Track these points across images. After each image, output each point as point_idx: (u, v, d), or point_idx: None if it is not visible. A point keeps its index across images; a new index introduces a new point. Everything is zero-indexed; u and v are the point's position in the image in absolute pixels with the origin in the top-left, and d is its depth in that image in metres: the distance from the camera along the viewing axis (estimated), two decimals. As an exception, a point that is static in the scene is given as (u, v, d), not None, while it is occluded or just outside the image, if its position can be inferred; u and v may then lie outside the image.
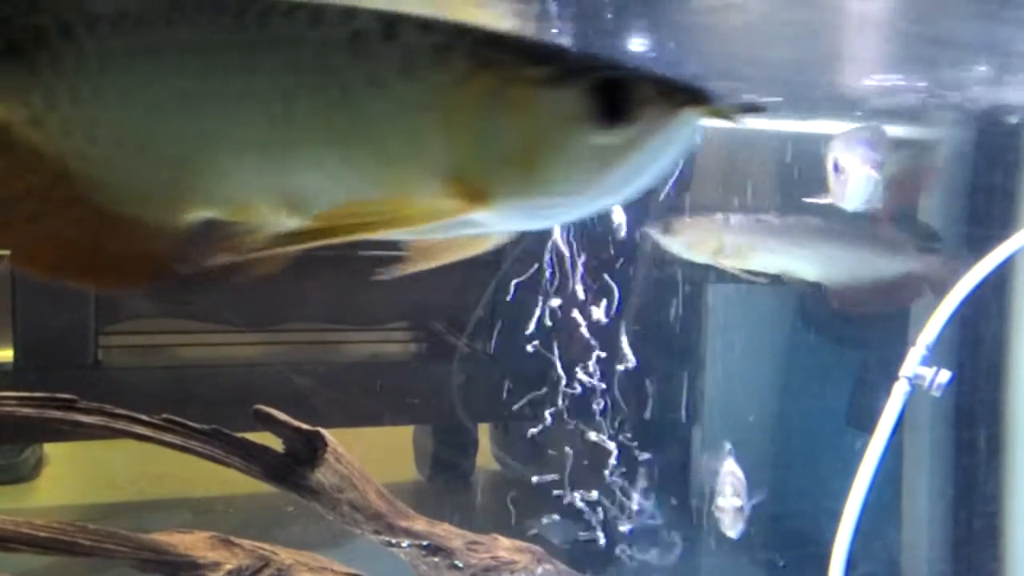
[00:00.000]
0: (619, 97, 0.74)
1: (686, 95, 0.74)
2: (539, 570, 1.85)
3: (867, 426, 2.11)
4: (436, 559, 1.79)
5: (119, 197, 0.83)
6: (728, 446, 2.29)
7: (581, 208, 0.80)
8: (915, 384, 2.06)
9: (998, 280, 2.13)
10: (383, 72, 0.77)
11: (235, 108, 0.79)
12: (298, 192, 0.81)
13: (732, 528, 2.20)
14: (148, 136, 0.82)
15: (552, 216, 0.83)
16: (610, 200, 0.79)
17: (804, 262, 2.18)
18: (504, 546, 1.87)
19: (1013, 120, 2.32)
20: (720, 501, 2.21)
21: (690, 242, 2.17)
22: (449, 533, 1.83)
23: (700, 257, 2.19)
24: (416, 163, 0.78)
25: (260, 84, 0.78)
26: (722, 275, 2.68)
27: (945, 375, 2.04)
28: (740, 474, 2.26)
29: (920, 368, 2.05)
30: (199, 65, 0.79)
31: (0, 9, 0.81)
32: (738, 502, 2.19)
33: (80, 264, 0.84)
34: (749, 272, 2.21)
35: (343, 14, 0.78)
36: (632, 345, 2.79)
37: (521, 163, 0.76)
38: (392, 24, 0.77)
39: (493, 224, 0.82)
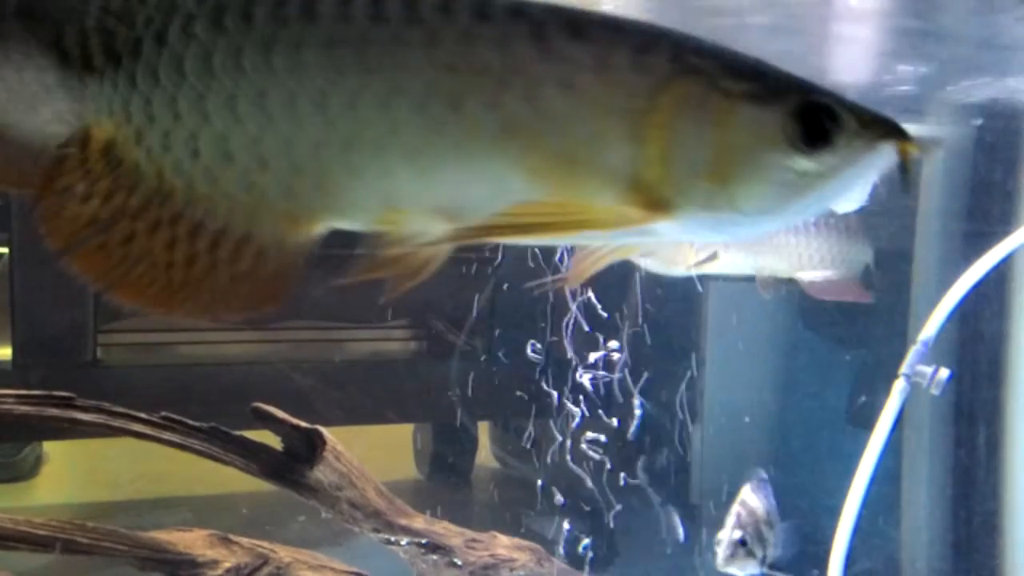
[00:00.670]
0: (821, 123, 0.73)
1: (885, 128, 0.74)
2: (537, 568, 1.85)
3: (867, 424, 2.11)
4: (435, 557, 1.79)
5: (224, 213, 0.78)
6: (762, 474, 2.02)
7: (762, 227, 0.78)
8: (914, 382, 2.06)
9: (997, 278, 2.13)
10: (573, 72, 0.73)
11: (381, 111, 0.74)
12: (455, 198, 0.77)
13: (726, 565, 1.90)
14: (267, 146, 0.76)
15: (729, 232, 0.79)
16: (792, 222, 0.78)
17: (776, 258, 2.17)
18: (503, 544, 1.87)
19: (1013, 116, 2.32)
20: (719, 533, 1.91)
21: (667, 259, 2.15)
22: (448, 531, 1.83)
23: (679, 271, 2.17)
24: (598, 168, 0.74)
25: (412, 84, 0.74)
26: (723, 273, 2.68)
27: (944, 373, 2.04)
28: (757, 504, 1.94)
29: (919, 366, 2.05)
30: (330, 65, 0.74)
31: (98, 20, 0.77)
32: (738, 534, 1.88)
33: (180, 290, 0.79)
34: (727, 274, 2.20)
35: (512, 8, 0.74)
36: (632, 343, 2.79)
37: (713, 177, 0.73)
38: (576, 22, 0.74)
39: (667, 234, 0.78)
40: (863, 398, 2.58)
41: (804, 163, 0.72)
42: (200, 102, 0.76)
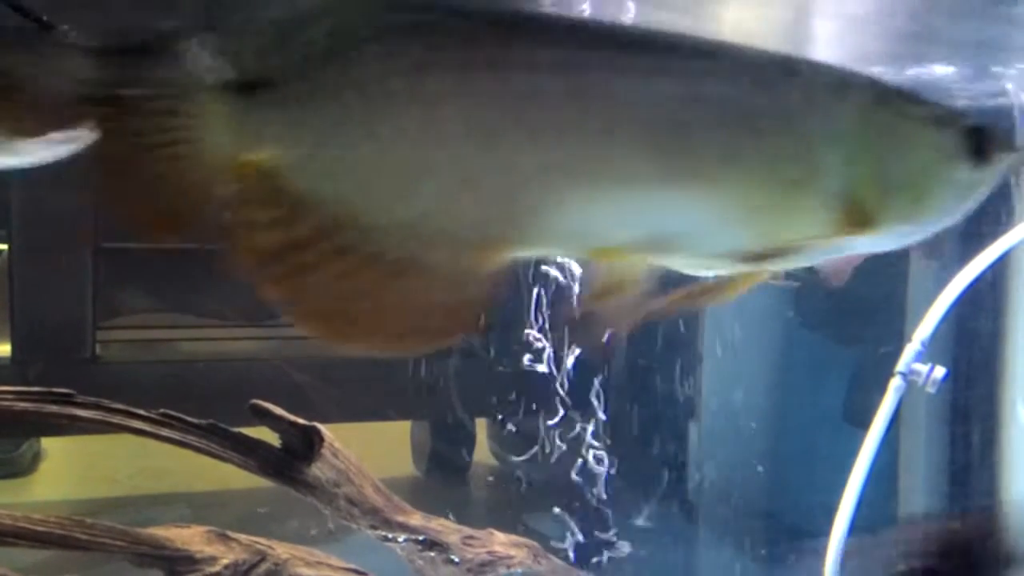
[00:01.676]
0: (984, 140, 0.85)
1: (1013, 140, 0.91)
2: (535, 566, 1.86)
3: (863, 422, 2.12)
4: (432, 554, 1.79)
5: (403, 244, 0.73)
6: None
7: (928, 231, 0.88)
8: (910, 380, 2.07)
9: (993, 276, 2.14)
10: (787, 105, 0.79)
11: (596, 141, 0.72)
12: (667, 228, 0.77)
13: None
14: (451, 175, 0.72)
15: (907, 238, 0.89)
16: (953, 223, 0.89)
17: None
18: (500, 541, 1.87)
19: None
20: None
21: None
22: (445, 528, 1.84)
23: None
24: (817, 192, 0.81)
25: (631, 115, 0.73)
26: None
27: (940, 371, 2.05)
28: None
29: (915, 364, 2.06)
30: (534, 93, 0.71)
31: (264, 43, 0.73)
32: None
33: (364, 320, 0.75)
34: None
35: (731, 48, 0.78)
36: (629, 341, 2.80)
37: (909, 192, 0.84)
38: (787, 61, 0.80)
39: (859, 247, 0.87)
40: (860, 397, 2.59)
41: (973, 175, 0.85)
42: (375, 129, 0.72)
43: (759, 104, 0.78)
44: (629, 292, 0.79)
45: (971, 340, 2.26)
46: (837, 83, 0.82)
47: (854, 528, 2.06)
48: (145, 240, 0.78)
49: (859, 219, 0.81)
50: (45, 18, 1.65)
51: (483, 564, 1.81)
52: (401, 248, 0.73)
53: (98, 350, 2.78)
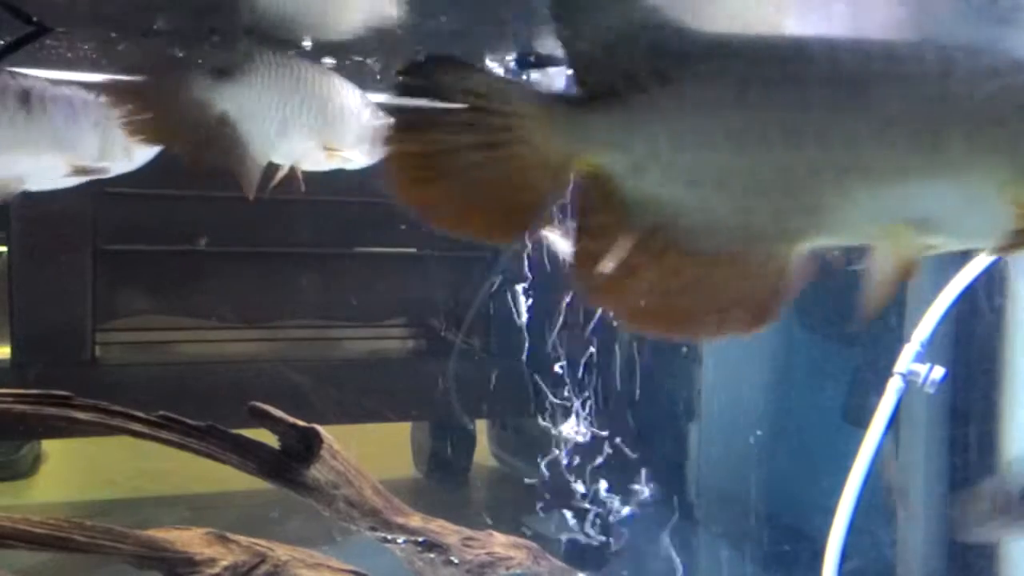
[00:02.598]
0: None
1: None
2: (535, 567, 1.86)
3: (862, 422, 2.12)
4: (432, 555, 1.79)
5: (718, 239, 0.83)
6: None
7: None
8: (909, 381, 2.07)
9: (992, 277, 2.14)
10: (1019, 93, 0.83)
11: (876, 139, 0.81)
12: (933, 211, 0.84)
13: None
14: (764, 175, 0.82)
15: None
16: None
17: None
18: (500, 542, 1.87)
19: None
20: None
21: None
22: (445, 529, 1.84)
23: None
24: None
25: (902, 115, 0.81)
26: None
27: (939, 372, 2.05)
28: None
29: (914, 365, 2.06)
30: (829, 100, 0.81)
31: (602, 55, 0.82)
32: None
33: (684, 314, 0.84)
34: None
35: (968, 48, 0.84)
36: (628, 341, 2.79)
37: None
38: (995, 64, 0.84)
39: None
40: (859, 397, 2.59)
41: None
42: (703, 136, 0.81)
43: (1002, 100, 0.82)
44: (910, 272, 0.85)
45: (970, 340, 2.27)
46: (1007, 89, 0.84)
47: (853, 528, 2.07)
48: (478, 239, 0.88)
49: None
50: (35, 19, 1.65)
51: (483, 565, 1.81)
52: (715, 244, 0.83)
53: (97, 352, 2.78)
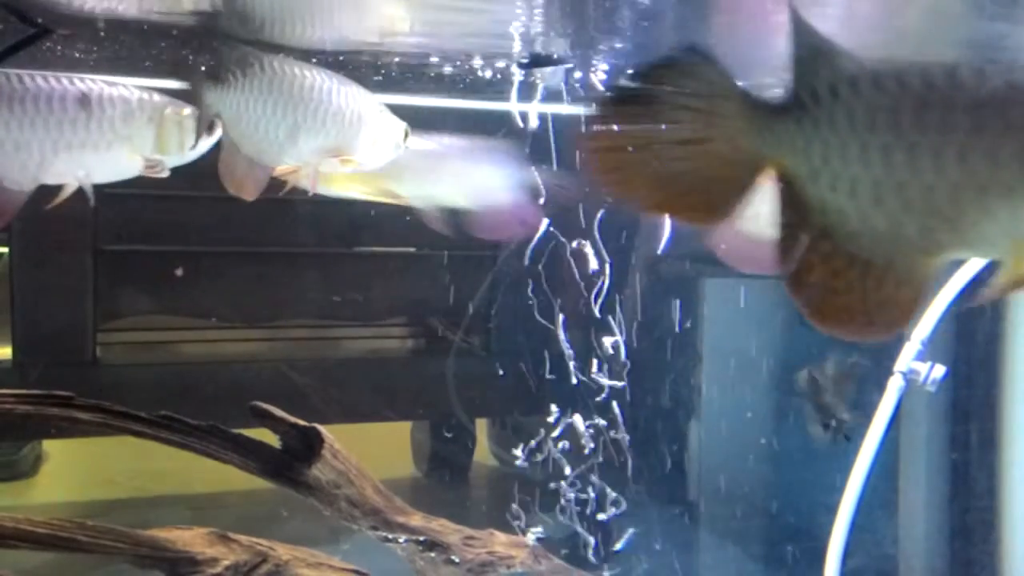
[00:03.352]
0: None
1: None
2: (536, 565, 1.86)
3: (863, 421, 2.12)
4: (433, 554, 1.80)
5: (871, 247, 0.91)
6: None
7: None
8: (910, 379, 2.07)
9: (992, 275, 2.14)
10: None
11: (1016, 159, 0.86)
12: None
13: None
14: (912, 192, 0.88)
15: None
16: None
17: (448, 188, 2.04)
18: (501, 541, 1.87)
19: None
20: None
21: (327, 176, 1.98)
22: (446, 528, 1.84)
23: (356, 192, 1.99)
24: None
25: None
26: (719, 270, 2.67)
27: (940, 370, 2.05)
28: None
29: (915, 363, 2.06)
30: (973, 123, 0.87)
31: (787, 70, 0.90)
32: None
33: (836, 314, 0.92)
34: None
35: None
36: (629, 340, 2.79)
37: None
38: None
39: None
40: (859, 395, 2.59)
41: None
42: (864, 151, 0.89)
43: None
44: None
45: (971, 339, 2.27)
46: None
47: (854, 527, 2.07)
48: (675, 221, 1.06)
49: None
50: (40, 20, 1.67)
51: (483, 564, 1.81)
52: (870, 252, 0.91)
53: (99, 352, 2.78)
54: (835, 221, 0.91)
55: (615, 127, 0.95)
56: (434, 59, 2.00)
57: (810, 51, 0.92)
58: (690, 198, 0.96)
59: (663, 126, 0.94)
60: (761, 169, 0.93)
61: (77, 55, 1.88)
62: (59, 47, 1.83)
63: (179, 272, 2.78)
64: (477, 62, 2.01)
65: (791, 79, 0.92)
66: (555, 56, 1.93)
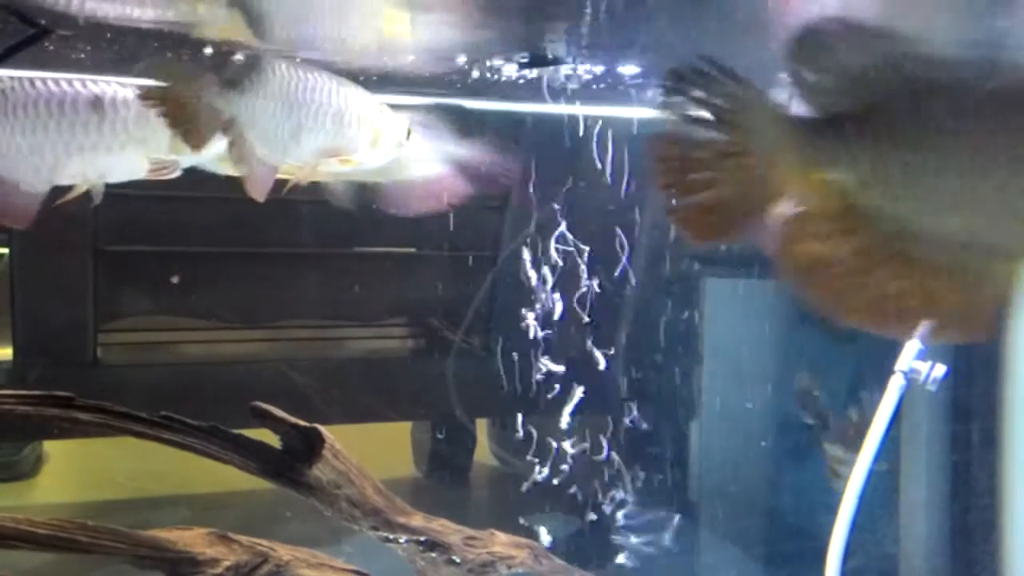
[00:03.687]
0: None
1: None
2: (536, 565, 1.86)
3: (864, 420, 2.12)
4: (434, 554, 1.80)
5: (938, 252, 0.90)
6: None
7: None
8: (911, 378, 2.07)
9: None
10: None
11: None
12: None
13: None
14: (981, 198, 0.88)
15: None
16: None
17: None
18: (501, 541, 1.87)
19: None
20: None
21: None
22: (446, 528, 1.84)
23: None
24: None
25: None
26: (720, 270, 2.68)
27: (940, 369, 2.05)
28: None
29: (916, 362, 2.06)
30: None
31: (831, 85, 0.92)
32: None
33: (898, 316, 0.93)
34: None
35: None
36: (629, 340, 2.80)
37: None
38: None
39: None
40: (860, 395, 2.59)
41: None
42: (924, 160, 0.89)
43: None
44: None
45: (971, 338, 2.26)
46: None
47: (856, 526, 2.07)
48: (703, 241, 1.07)
49: None
50: (43, 22, 1.67)
51: (484, 564, 1.81)
52: (936, 255, 0.91)
53: (99, 353, 2.78)
54: (894, 227, 0.91)
55: (673, 142, 0.97)
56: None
57: (852, 68, 0.92)
58: (723, 215, 0.97)
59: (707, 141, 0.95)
60: (798, 184, 0.94)
61: (81, 56, 1.89)
62: (74, 51, 1.84)
63: (175, 280, 2.78)
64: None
65: (827, 95, 0.93)
66: (553, 56, 1.94)
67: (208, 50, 1.82)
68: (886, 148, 0.91)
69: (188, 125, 1.58)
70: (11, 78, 1.55)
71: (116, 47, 1.84)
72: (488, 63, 1.99)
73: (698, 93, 0.95)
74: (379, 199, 2.05)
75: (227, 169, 1.77)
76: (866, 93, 0.92)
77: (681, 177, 0.97)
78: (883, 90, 0.91)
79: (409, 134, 1.83)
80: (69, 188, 1.62)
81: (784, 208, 0.96)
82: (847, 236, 0.93)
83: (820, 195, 0.94)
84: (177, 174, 1.68)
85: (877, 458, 2.07)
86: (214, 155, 1.71)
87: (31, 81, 1.54)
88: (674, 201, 0.99)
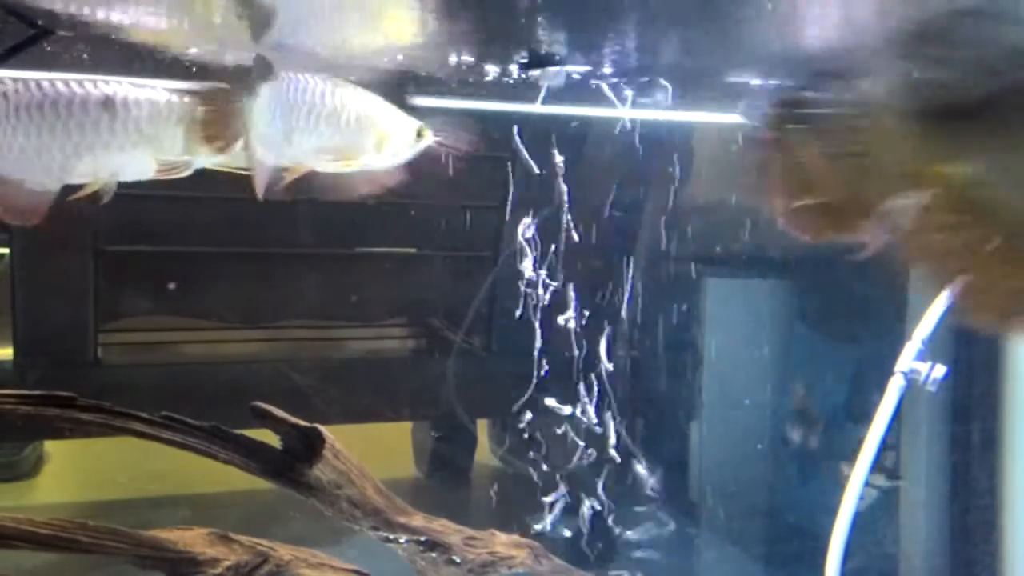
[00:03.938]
0: None
1: None
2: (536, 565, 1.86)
3: (864, 421, 2.12)
4: (434, 555, 1.80)
5: None
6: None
7: None
8: (911, 379, 2.07)
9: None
10: None
11: None
12: None
13: None
14: None
15: None
16: None
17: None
18: (502, 541, 1.88)
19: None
20: None
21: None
22: (447, 529, 1.84)
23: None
24: None
25: None
26: (720, 270, 2.68)
27: (940, 370, 2.05)
28: None
29: (916, 363, 2.06)
30: None
31: (950, 80, 0.93)
32: None
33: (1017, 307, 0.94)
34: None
35: None
36: (630, 340, 2.80)
37: None
38: None
39: None
40: (861, 395, 2.59)
41: None
42: None
43: None
44: None
45: (972, 338, 2.27)
46: None
47: (856, 526, 2.07)
48: (820, 240, 1.06)
49: None
50: (40, 22, 1.68)
51: (484, 565, 1.81)
52: None
53: (100, 353, 2.78)
54: (1011, 222, 0.92)
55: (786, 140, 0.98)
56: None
57: (978, 55, 0.93)
58: (842, 213, 0.99)
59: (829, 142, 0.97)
60: (917, 177, 0.95)
61: (84, 56, 1.89)
62: (85, 55, 1.85)
63: (172, 286, 2.79)
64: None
65: (956, 82, 0.93)
66: (556, 57, 1.94)
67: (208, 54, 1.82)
68: (1006, 140, 0.92)
69: (228, 128, 1.59)
70: (14, 79, 1.55)
71: (116, 47, 1.85)
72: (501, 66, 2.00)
73: (812, 95, 0.97)
74: (304, 185, 2.04)
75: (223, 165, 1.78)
76: (985, 85, 0.92)
77: (797, 180, 0.98)
78: (1002, 82, 0.92)
79: (421, 134, 1.83)
80: (80, 187, 1.63)
81: (900, 202, 0.97)
82: (968, 229, 0.93)
83: (940, 188, 0.94)
84: (187, 172, 1.69)
85: (877, 458, 2.07)
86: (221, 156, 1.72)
87: (37, 83, 1.55)
88: (781, 203, 0.99)
